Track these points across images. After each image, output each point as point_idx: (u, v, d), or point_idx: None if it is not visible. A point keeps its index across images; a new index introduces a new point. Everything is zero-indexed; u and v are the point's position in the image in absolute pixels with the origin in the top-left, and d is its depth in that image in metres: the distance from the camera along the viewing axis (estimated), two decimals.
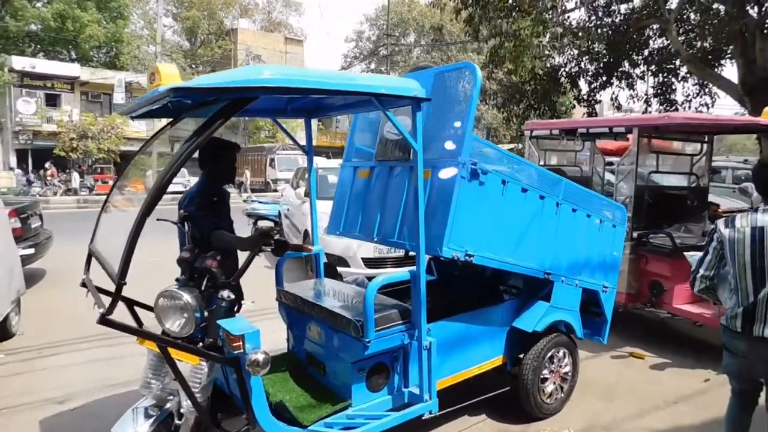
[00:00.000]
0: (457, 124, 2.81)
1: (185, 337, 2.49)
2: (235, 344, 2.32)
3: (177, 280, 2.62)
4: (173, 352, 2.35)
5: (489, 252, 2.95)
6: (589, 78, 12.52)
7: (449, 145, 2.83)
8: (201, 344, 2.54)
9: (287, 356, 3.42)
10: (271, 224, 10.60)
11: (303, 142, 3.61)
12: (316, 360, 3.09)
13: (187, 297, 2.45)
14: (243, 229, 10.81)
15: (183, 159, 2.07)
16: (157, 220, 3.80)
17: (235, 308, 3.18)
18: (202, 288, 2.55)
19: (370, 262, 6.58)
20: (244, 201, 12.01)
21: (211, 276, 2.55)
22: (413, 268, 2.83)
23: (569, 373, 3.73)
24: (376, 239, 3.13)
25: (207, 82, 2.12)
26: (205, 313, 2.53)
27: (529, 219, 3.19)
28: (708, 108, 11.98)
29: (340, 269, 6.46)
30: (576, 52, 11.88)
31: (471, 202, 2.81)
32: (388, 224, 3.10)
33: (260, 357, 2.31)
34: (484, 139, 2.96)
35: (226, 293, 2.57)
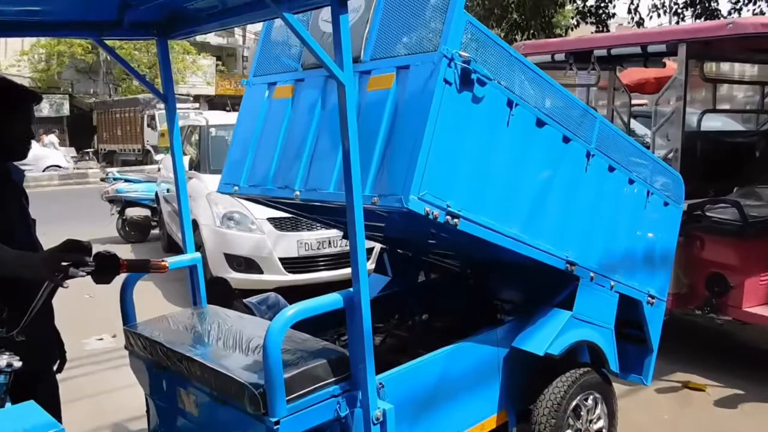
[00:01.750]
0: None
1: None
2: None
3: None
4: None
5: (484, 215, 2.80)
6: None
7: (427, 31, 2.68)
8: None
9: None
10: (146, 213, 10.02)
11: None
12: None
13: None
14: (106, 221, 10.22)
15: None
16: None
17: (56, 367, 2.65)
18: None
19: (292, 265, 6.34)
20: (103, 179, 11.31)
21: None
22: (350, 277, 2.46)
23: (604, 431, 3.53)
24: (299, 192, 2.99)
25: None
26: None
27: (546, 171, 3.08)
28: None
29: (244, 277, 6.21)
30: None
31: (458, 125, 2.65)
32: (322, 168, 2.95)
33: None
34: None
35: (4, 360, 1.97)
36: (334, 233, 6.06)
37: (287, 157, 3.13)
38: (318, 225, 6.17)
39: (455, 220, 2.66)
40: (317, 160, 2.97)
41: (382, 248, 4.19)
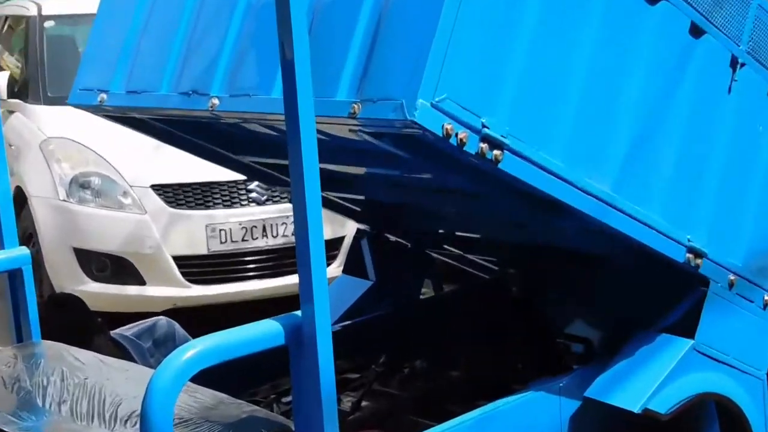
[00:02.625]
0: None
1: None
2: None
3: None
4: None
5: (549, 150, 2.85)
6: None
7: None
8: None
9: None
10: None
11: None
12: None
13: None
14: None
15: None
16: None
17: None
18: None
19: (198, 269, 6.45)
20: None
21: None
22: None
23: None
24: (217, 101, 3.07)
25: None
26: None
27: (658, 85, 3.15)
28: None
29: (110, 291, 6.33)
30: None
31: None
32: (258, 58, 3.07)
33: None
34: None
35: None
36: (274, 211, 6.12)
37: (199, 40, 3.20)
38: (244, 197, 6.25)
39: (496, 151, 2.65)
40: (252, 43, 3.02)
41: (359, 232, 4.23)
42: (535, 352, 3.86)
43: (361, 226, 4.21)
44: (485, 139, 2.62)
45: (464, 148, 2.58)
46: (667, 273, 3.26)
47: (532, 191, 2.83)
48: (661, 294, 3.41)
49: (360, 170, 3.42)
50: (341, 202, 4.02)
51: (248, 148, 3.68)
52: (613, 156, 3.02)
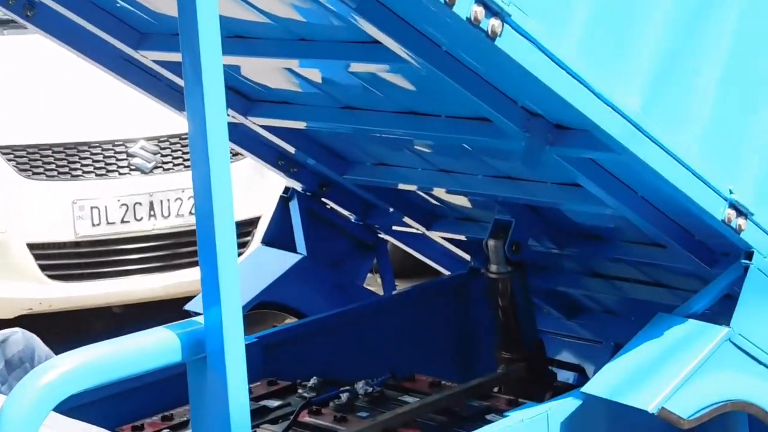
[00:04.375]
0: None
1: None
2: None
3: None
4: None
5: (557, 34, 2.88)
6: None
7: None
8: None
9: None
10: None
11: None
12: None
13: None
14: None
15: None
16: None
17: None
18: None
19: (61, 259, 6.48)
20: None
21: None
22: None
23: None
24: None
25: None
26: None
27: None
28: None
29: None
30: None
31: None
32: None
33: None
34: None
35: None
36: (164, 183, 6.14)
37: None
38: (123, 163, 6.24)
39: (493, 21, 2.65)
40: None
41: (288, 191, 4.22)
42: (520, 374, 3.88)
43: (292, 183, 4.17)
44: (481, 0, 2.62)
45: (453, 8, 2.57)
46: (694, 239, 3.35)
47: (536, 89, 2.87)
48: (684, 269, 3.51)
49: (297, 80, 3.36)
50: (268, 135, 3.92)
51: (152, 39, 3.56)
52: (644, 62, 3.03)
